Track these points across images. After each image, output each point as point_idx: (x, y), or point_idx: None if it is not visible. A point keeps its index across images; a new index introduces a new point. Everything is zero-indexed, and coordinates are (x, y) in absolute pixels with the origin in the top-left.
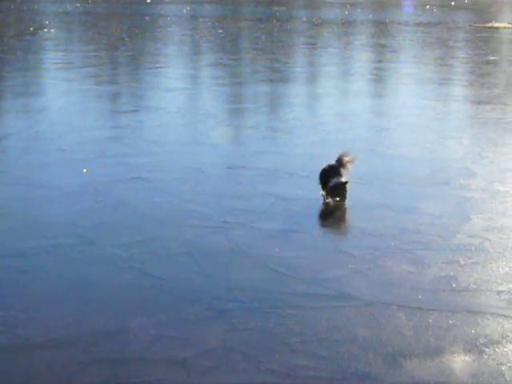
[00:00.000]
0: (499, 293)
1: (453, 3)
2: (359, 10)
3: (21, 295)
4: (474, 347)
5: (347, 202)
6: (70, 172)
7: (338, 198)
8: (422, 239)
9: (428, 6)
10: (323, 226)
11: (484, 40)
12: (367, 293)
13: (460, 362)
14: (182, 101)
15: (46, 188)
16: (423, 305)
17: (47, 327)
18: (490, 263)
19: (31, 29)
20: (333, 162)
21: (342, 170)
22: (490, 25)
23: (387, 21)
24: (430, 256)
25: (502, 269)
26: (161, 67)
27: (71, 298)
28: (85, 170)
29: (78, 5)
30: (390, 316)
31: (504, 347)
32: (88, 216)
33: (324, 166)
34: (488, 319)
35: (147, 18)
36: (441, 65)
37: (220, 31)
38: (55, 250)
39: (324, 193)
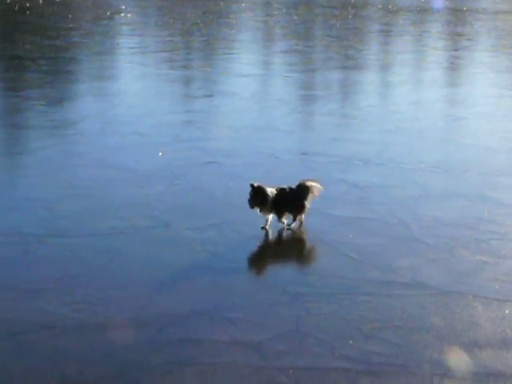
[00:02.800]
0: None
1: None
2: None
3: (98, 274)
4: None
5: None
6: (145, 155)
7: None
8: (499, 229)
9: None
10: (398, 213)
11: None
12: (442, 282)
13: None
14: (255, 86)
15: (123, 170)
16: (500, 296)
17: (124, 307)
18: None
19: (108, 13)
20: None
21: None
22: None
23: (464, 8)
24: (507, 247)
25: None
26: (235, 53)
27: (146, 278)
28: (160, 154)
29: None
30: (465, 306)
31: None
32: (163, 199)
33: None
34: None
35: (222, 3)
36: None
37: (295, 17)
38: (131, 231)
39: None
